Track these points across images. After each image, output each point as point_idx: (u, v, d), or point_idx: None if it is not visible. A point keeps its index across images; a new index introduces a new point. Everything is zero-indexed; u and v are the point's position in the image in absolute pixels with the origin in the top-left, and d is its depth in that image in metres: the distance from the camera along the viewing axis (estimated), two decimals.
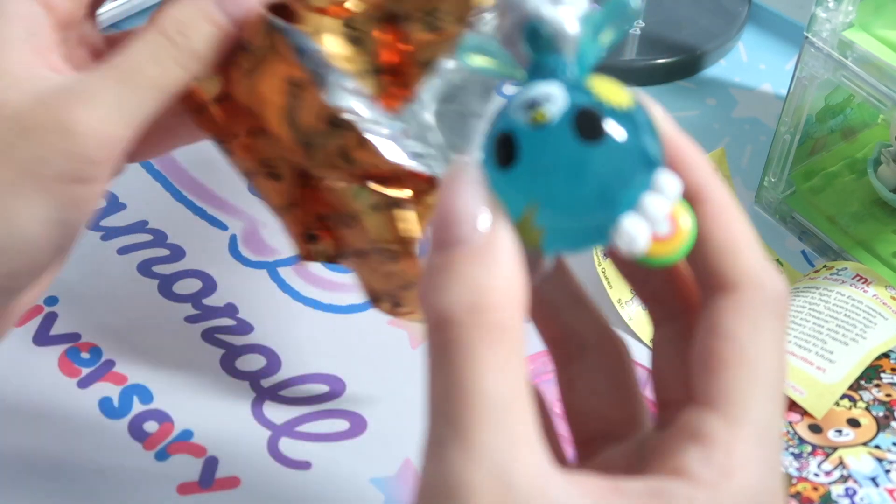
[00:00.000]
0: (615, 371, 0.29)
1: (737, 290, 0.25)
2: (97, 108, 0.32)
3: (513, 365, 0.23)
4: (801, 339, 0.45)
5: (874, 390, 0.45)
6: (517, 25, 0.25)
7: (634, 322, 0.49)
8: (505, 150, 0.23)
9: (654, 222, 0.24)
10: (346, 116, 0.35)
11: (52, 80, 0.33)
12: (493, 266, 0.23)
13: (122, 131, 0.33)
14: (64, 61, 0.35)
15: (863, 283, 0.48)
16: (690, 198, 0.26)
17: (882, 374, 0.46)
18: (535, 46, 0.25)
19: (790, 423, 0.43)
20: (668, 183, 0.24)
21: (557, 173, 0.23)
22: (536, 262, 0.26)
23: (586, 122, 0.23)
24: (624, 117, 0.24)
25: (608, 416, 0.29)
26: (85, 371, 0.47)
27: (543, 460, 0.23)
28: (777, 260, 0.53)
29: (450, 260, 0.23)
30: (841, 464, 0.41)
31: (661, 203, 0.24)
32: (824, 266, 0.50)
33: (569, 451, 0.30)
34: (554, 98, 0.24)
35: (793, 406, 0.43)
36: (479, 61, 0.26)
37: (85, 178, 0.33)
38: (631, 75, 0.63)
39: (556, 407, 0.49)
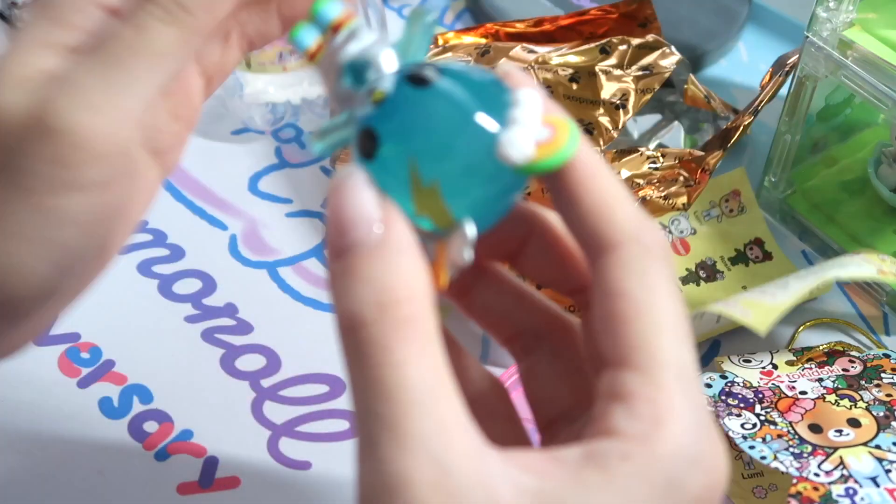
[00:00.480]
0: (570, 354, 0.30)
1: (616, 247, 0.25)
2: (85, 105, 0.26)
3: (429, 353, 0.23)
4: (770, 287, 0.44)
5: (874, 390, 0.45)
6: (338, 77, 0.27)
7: None
8: (369, 140, 0.25)
9: (531, 127, 0.25)
10: None
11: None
12: (394, 261, 0.24)
13: (118, 127, 0.27)
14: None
15: (863, 257, 0.47)
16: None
17: (882, 374, 0.46)
18: (363, 80, 0.26)
19: (790, 423, 0.43)
20: (527, 95, 0.25)
21: (418, 123, 0.25)
22: (456, 242, 0.27)
23: (417, 73, 0.25)
24: (454, 64, 0.26)
25: (567, 398, 0.29)
26: (85, 371, 0.47)
27: (477, 441, 0.23)
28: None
29: (350, 264, 0.24)
30: (841, 464, 0.41)
31: (530, 110, 0.25)
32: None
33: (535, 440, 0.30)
34: (384, 77, 0.26)
35: (779, 403, 0.43)
36: (328, 141, 0.27)
37: (79, 184, 0.27)
38: None
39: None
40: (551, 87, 0.48)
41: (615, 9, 0.57)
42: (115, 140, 0.27)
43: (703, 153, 0.49)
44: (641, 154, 0.48)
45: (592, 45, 0.51)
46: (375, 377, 0.23)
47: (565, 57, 0.50)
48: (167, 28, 0.27)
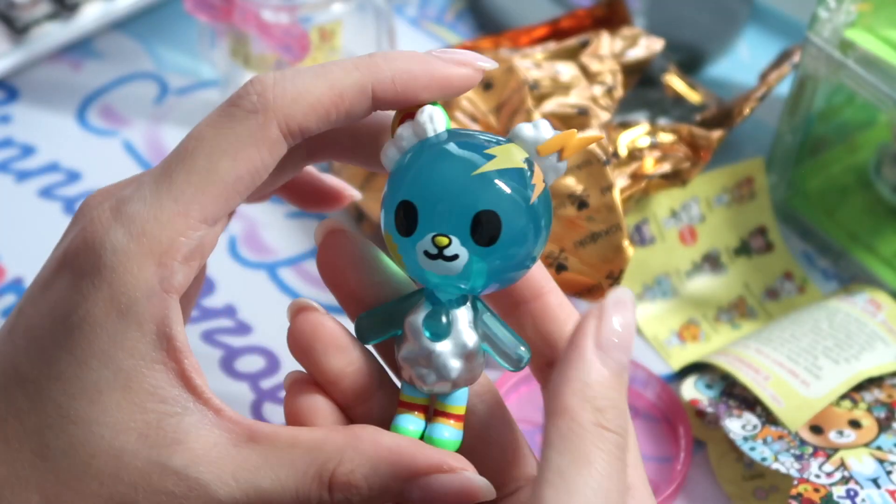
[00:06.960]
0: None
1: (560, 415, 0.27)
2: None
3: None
4: (794, 352, 0.45)
5: (875, 391, 0.45)
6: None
7: (642, 319, 0.49)
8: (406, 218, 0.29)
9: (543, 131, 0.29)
10: None
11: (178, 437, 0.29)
12: None
13: None
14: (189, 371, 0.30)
15: (874, 306, 0.48)
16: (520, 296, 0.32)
17: (883, 375, 0.46)
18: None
19: None
20: (524, 129, 0.29)
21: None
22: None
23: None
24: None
25: None
26: None
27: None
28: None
29: None
30: (842, 465, 0.41)
31: (538, 129, 0.29)
32: (844, 289, 0.50)
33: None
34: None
35: (771, 416, 0.43)
36: (373, 339, 0.32)
37: None
38: None
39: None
40: (539, 82, 0.48)
41: (587, 13, 0.57)
42: None
43: (702, 131, 0.49)
44: (641, 126, 0.49)
45: (573, 41, 0.51)
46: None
47: (548, 53, 0.51)
48: None
